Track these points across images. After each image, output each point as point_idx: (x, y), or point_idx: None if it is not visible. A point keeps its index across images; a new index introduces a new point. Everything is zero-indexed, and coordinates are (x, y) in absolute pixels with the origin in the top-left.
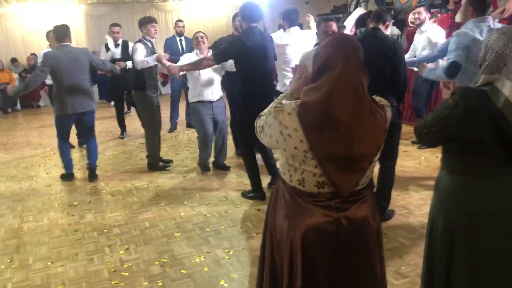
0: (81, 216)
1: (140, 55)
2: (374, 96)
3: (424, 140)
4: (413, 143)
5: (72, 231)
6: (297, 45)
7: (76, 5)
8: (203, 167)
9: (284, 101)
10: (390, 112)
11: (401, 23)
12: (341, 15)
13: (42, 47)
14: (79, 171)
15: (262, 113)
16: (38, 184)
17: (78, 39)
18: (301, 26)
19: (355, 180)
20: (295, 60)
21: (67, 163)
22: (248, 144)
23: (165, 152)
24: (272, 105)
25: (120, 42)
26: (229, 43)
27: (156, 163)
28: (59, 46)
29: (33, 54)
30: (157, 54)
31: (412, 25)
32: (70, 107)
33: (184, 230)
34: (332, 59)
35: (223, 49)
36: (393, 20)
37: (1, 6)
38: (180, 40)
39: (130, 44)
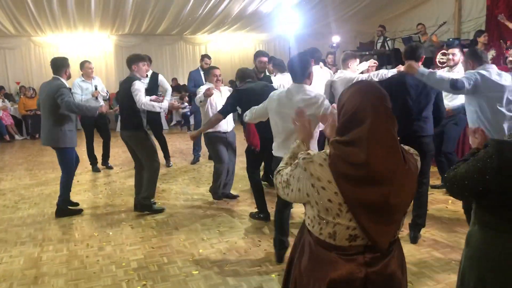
0: (100, 248)
1: (143, 94)
2: (402, 145)
3: (454, 193)
4: (432, 187)
5: (91, 263)
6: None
7: (107, 36)
8: (216, 195)
9: (311, 152)
10: (419, 161)
11: (427, 62)
12: (367, 53)
13: (73, 75)
14: (101, 200)
15: (279, 168)
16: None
17: (108, 68)
18: (325, 62)
19: (391, 232)
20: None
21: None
22: (255, 167)
23: (186, 184)
24: (299, 157)
25: (149, 73)
26: (228, 101)
27: (150, 204)
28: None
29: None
30: (208, 89)
31: (441, 66)
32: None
33: (202, 268)
34: (361, 112)
35: (225, 106)
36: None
37: (37, 35)
38: (204, 74)
39: (160, 77)
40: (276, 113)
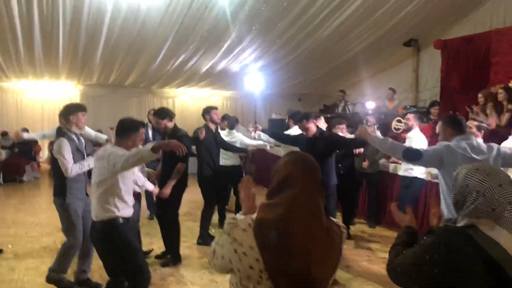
0: None
1: (70, 159)
2: (330, 217)
3: (398, 281)
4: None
5: None
6: None
7: (74, 85)
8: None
9: (238, 216)
10: (345, 233)
11: (384, 128)
12: (329, 115)
13: (35, 122)
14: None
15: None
16: (2, 267)
17: None
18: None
19: None
20: None
21: None
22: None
23: None
24: (225, 222)
25: None
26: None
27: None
28: None
29: (25, 129)
30: None
31: (396, 131)
32: None
33: None
34: (291, 178)
35: None
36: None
37: (1, 80)
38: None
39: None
40: None
